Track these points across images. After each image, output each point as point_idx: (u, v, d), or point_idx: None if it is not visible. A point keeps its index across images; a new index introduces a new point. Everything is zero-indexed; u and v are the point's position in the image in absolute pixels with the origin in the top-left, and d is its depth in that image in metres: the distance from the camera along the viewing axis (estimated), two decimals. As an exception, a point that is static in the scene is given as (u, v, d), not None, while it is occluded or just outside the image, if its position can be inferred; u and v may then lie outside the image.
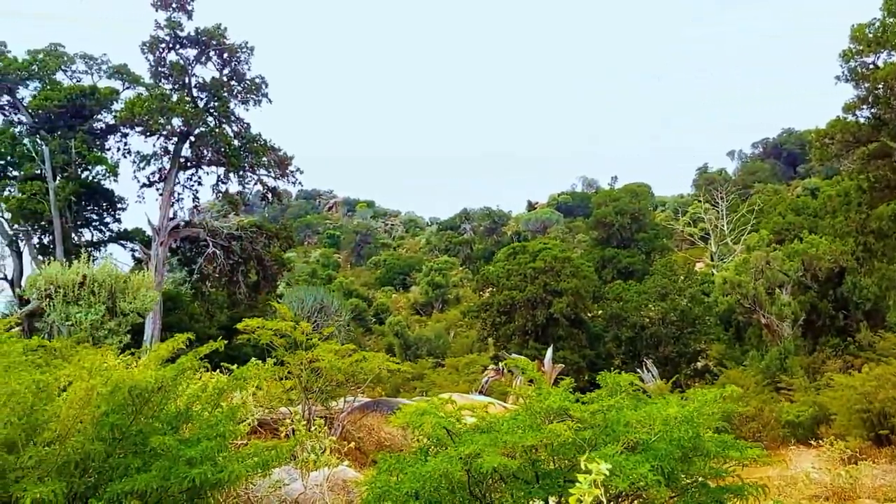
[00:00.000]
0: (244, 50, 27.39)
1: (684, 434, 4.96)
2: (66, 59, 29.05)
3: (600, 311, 37.34)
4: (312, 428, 6.80)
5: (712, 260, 56.29)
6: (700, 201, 63.61)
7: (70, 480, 4.26)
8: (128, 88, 28.84)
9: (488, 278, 38.85)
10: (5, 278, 26.23)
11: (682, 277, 36.08)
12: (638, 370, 28.19)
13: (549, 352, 24.28)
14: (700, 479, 5.37)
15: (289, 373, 8.76)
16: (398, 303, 71.30)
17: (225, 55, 27.18)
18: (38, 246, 27.23)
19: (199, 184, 29.15)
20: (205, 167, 28.57)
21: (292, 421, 7.05)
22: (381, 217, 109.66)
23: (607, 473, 2.80)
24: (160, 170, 28.02)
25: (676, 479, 5.19)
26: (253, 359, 7.55)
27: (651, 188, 66.84)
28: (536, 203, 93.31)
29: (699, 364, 33.24)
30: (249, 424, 7.45)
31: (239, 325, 8.58)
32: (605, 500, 2.79)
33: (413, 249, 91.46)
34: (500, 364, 27.18)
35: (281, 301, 32.44)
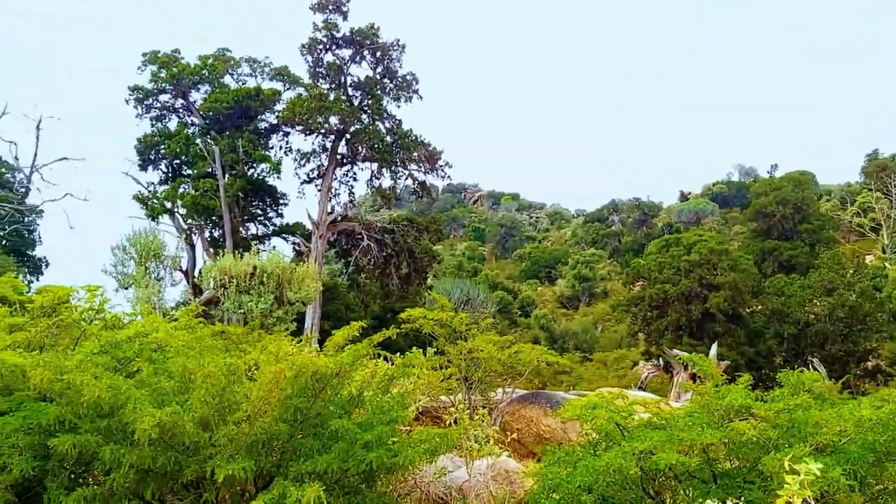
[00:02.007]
0: (396, 48, 28.11)
1: (879, 437, 4.61)
2: (232, 62, 30.94)
3: (760, 307, 35.39)
4: (475, 417, 6.87)
5: (884, 252, 52.19)
6: (870, 190, 58.98)
7: (257, 459, 4.51)
8: (288, 89, 30.31)
9: (639, 271, 37.81)
10: (181, 269, 28.38)
11: (850, 271, 33.59)
12: (804, 369, 26.49)
13: (714, 348, 23.28)
14: (894, 485, 4.98)
15: (448, 362, 8.92)
16: (544, 296, 70.84)
17: (378, 54, 28.01)
18: (209, 239, 29.22)
19: (355, 179, 30.35)
20: (359, 163, 29.63)
21: (456, 409, 7.16)
22: (526, 209, 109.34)
23: (818, 474, 2.61)
24: (319, 167, 29.35)
25: (868, 485, 4.83)
26: (414, 348, 7.70)
27: (815, 176, 62.50)
28: (689, 193, 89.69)
29: (870, 364, 30.92)
30: (415, 411, 7.65)
31: (402, 315, 8.83)
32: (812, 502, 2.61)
33: (559, 242, 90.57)
34: (660, 360, 26.42)
35: (430, 293, 33.15)
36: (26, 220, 36.58)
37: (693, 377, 18.58)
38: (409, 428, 7.37)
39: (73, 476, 4.84)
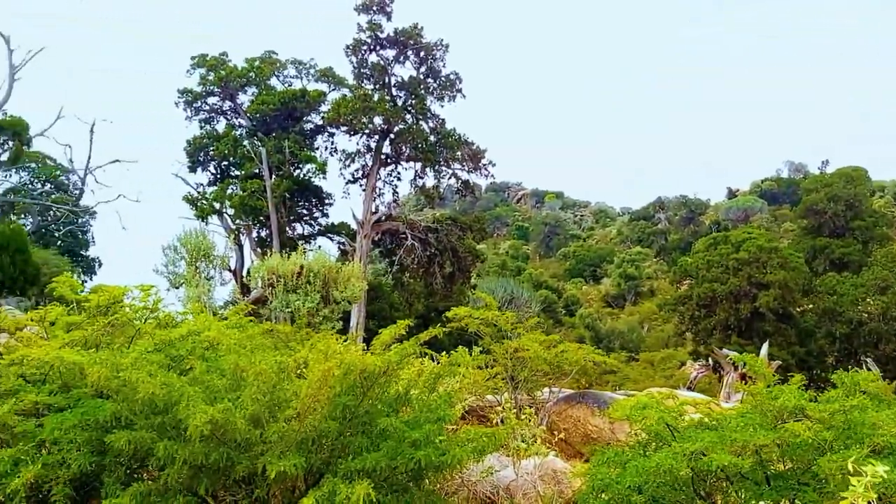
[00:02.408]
0: (439, 48, 28.16)
1: (938, 438, 4.47)
2: (278, 65, 31.36)
3: (811, 306, 34.69)
4: (522, 416, 6.85)
5: (942, 250, 50.47)
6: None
7: (307, 456, 4.56)
8: (333, 90, 30.62)
9: (686, 270, 37.38)
10: (229, 269, 28.84)
11: (905, 269, 32.66)
12: (857, 369, 25.82)
13: (765, 348, 22.81)
14: (955, 490, 4.82)
15: (494, 361, 8.91)
16: (589, 295, 70.36)
17: (421, 54, 28.11)
18: (256, 239, 29.68)
19: (398, 179, 30.51)
20: (403, 163, 29.77)
21: (503, 409, 7.15)
22: (570, 208, 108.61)
23: (885, 476, 2.54)
24: (363, 166, 29.57)
25: (927, 489, 4.69)
26: (460, 347, 7.70)
27: (867, 172, 60.74)
28: (737, 190, 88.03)
29: (926, 364, 30.05)
30: (461, 410, 7.66)
31: (448, 314, 8.84)
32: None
33: (604, 240, 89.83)
34: (709, 359, 26.02)
35: (474, 292, 33.13)
36: (80, 221, 37.62)
37: (743, 377, 18.26)
38: (455, 427, 7.38)
39: (128, 471, 4.96)
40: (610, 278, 70.81)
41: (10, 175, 37.41)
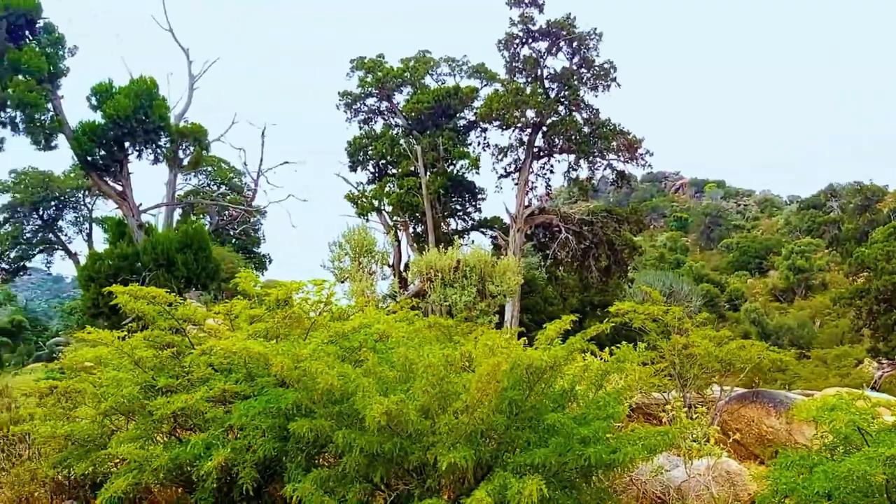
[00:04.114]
0: (593, 37, 27.59)
1: None
2: (432, 63, 31.98)
3: None
4: (694, 416, 6.58)
5: None
6: None
7: (476, 448, 4.59)
8: (485, 86, 30.85)
9: (863, 261, 34.50)
10: (389, 264, 29.79)
11: None
12: None
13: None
14: None
15: (660, 357, 8.61)
16: (754, 288, 66.91)
17: (574, 44, 27.65)
18: (413, 234, 30.46)
19: (551, 172, 30.22)
20: (556, 155, 29.46)
21: (672, 407, 6.90)
22: (733, 197, 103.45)
23: None
24: (515, 161, 29.57)
25: None
26: (623, 343, 7.50)
27: None
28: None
29: None
30: (628, 407, 7.47)
31: (611, 308, 8.63)
32: None
33: (770, 231, 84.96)
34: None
35: (631, 286, 32.29)
36: (253, 220, 40.26)
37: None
38: (620, 424, 7.20)
39: (308, 457, 5.21)
40: (777, 271, 66.98)
41: (191, 178, 40.72)
